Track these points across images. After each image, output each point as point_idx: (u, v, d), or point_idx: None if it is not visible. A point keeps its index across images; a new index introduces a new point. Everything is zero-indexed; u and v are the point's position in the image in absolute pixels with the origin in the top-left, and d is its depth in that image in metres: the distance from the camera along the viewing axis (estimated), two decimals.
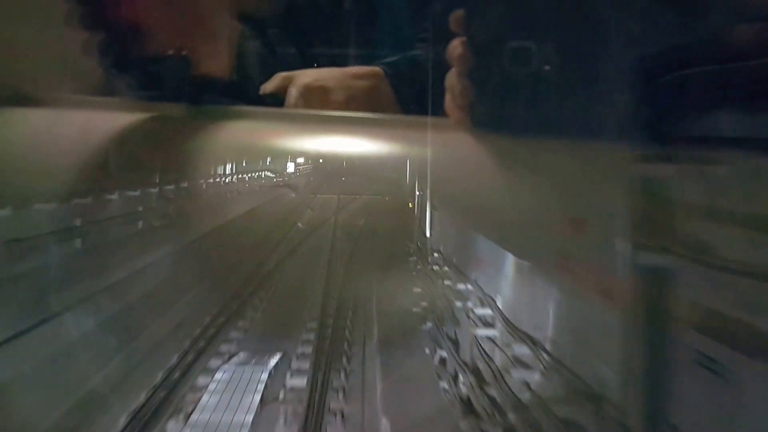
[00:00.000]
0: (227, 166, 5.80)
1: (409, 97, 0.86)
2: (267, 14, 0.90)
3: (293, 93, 0.85)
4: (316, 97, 0.84)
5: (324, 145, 0.66)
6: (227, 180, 5.93)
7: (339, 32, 0.98)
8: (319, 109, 0.83)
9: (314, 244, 5.75)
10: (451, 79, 0.60)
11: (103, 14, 0.58)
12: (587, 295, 0.77)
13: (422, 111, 0.76)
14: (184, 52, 0.61)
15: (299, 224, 6.62)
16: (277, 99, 0.85)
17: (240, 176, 6.80)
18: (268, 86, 0.85)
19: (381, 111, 0.83)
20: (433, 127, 0.65)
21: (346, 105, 0.84)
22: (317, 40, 0.97)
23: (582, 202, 0.59)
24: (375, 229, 6.27)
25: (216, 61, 0.66)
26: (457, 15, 0.57)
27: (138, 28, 0.59)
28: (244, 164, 6.64)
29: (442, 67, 0.64)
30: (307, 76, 0.86)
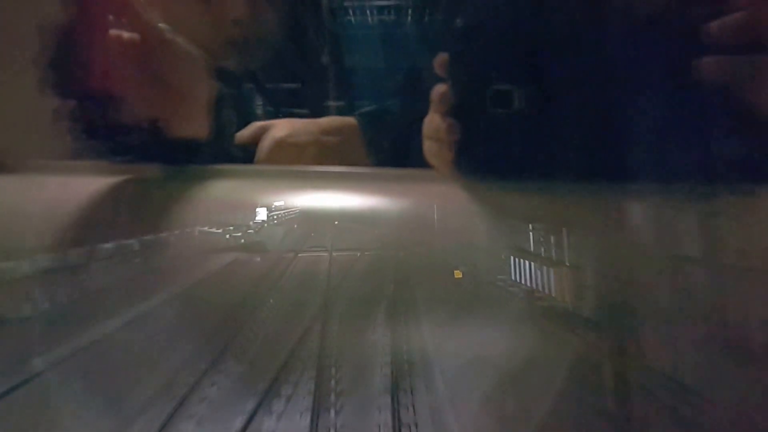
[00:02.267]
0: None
1: (383, 148, 0.86)
2: (244, 68, 0.90)
3: (264, 147, 0.84)
4: (286, 153, 0.84)
5: (308, 201, 0.64)
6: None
7: (316, 86, 0.99)
8: (288, 163, 0.83)
9: None
10: (434, 124, 0.59)
11: (74, 82, 0.57)
12: None
13: (395, 162, 0.76)
14: (158, 117, 0.60)
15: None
16: (253, 149, 0.85)
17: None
18: (244, 135, 0.85)
19: (351, 165, 0.82)
20: (415, 179, 0.64)
21: (316, 161, 0.84)
22: (293, 94, 0.97)
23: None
24: None
25: (191, 122, 0.65)
26: (441, 59, 0.56)
27: (110, 96, 0.58)
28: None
29: (418, 118, 0.64)
30: (280, 129, 0.85)
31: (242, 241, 0.66)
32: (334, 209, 0.61)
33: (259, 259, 0.68)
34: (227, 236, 0.60)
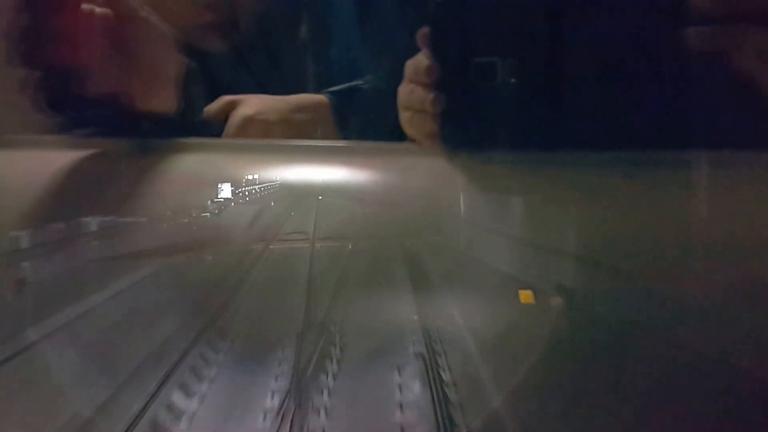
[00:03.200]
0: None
1: (354, 126, 0.86)
2: (216, 49, 0.89)
3: (233, 123, 0.84)
4: (255, 130, 0.83)
5: (289, 175, 0.62)
6: None
7: (289, 65, 0.98)
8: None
9: None
10: (415, 95, 0.59)
11: (40, 52, 0.56)
12: None
13: (364, 138, 0.76)
14: (124, 91, 0.59)
15: None
16: (222, 123, 0.84)
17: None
18: (212, 109, 0.84)
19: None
20: (396, 153, 0.63)
21: (286, 139, 0.83)
22: (266, 72, 0.96)
23: None
24: None
25: (159, 97, 0.64)
26: (424, 31, 0.56)
27: (76, 67, 0.57)
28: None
29: (390, 94, 0.63)
30: (250, 105, 0.84)
31: (194, 229, 0.56)
32: (315, 184, 0.58)
33: (210, 258, 0.55)
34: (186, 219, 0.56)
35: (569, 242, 0.52)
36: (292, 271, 0.54)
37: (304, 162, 0.61)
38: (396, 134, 0.63)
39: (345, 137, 0.85)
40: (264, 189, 0.59)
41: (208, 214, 0.57)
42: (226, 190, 0.58)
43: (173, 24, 0.63)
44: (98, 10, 0.56)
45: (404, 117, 0.61)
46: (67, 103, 0.59)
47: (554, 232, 0.53)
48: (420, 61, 0.58)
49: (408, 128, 0.61)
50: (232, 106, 0.84)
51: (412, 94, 0.59)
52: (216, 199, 0.59)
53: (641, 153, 0.51)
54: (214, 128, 0.81)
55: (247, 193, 0.58)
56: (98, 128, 0.62)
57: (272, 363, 0.47)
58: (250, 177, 0.60)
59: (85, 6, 0.56)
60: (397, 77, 0.61)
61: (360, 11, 0.96)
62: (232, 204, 0.59)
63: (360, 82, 0.90)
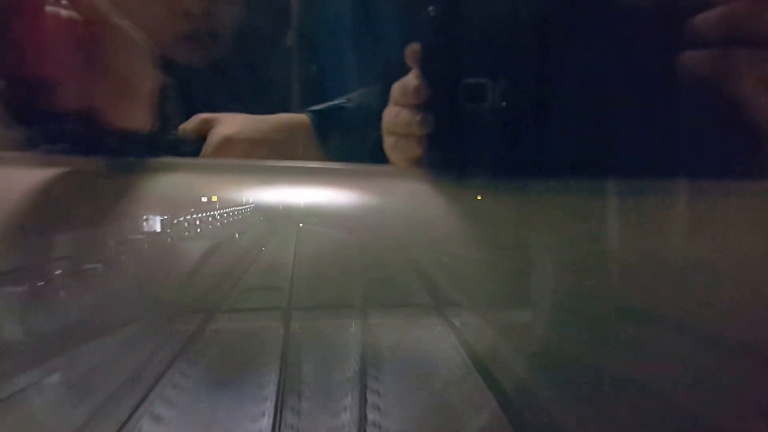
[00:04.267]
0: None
1: (336, 146, 0.83)
2: (193, 63, 0.87)
3: (211, 143, 0.81)
4: (235, 151, 0.81)
5: (267, 197, 0.58)
6: None
7: (271, 81, 0.96)
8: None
9: None
10: (401, 118, 0.56)
11: (4, 62, 0.53)
12: None
13: (348, 159, 0.73)
14: (96, 106, 0.56)
15: None
16: (198, 142, 0.81)
17: None
18: (188, 127, 0.81)
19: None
20: (379, 175, 0.61)
21: (265, 159, 0.81)
22: (247, 88, 0.94)
23: None
24: None
25: (133, 113, 0.61)
26: (413, 48, 0.54)
27: (42, 77, 0.54)
28: None
29: (373, 114, 0.61)
30: (228, 125, 0.82)
31: (165, 252, 0.50)
32: (295, 206, 0.55)
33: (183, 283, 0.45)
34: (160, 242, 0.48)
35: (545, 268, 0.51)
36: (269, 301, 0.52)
37: (284, 183, 0.58)
38: (379, 155, 0.61)
39: (327, 158, 0.83)
40: (242, 211, 0.56)
41: (180, 236, 0.54)
42: (200, 213, 0.55)
43: (148, 34, 0.60)
44: (64, 12, 0.53)
45: (388, 142, 0.59)
46: (35, 117, 0.56)
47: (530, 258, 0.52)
48: (408, 82, 0.55)
49: (392, 154, 0.59)
50: (208, 125, 0.82)
51: (398, 117, 0.57)
52: (190, 221, 0.56)
53: (629, 180, 0.50)
54: (190, 147, 0.79)
55: (223, 215, 0.56)
56: (68, 144, 0.59)
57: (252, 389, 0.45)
58: (227, 198, 0.57)
59: (49, 8, 0.53)
60: (382, 96, 0.58)
61: (345, 26, 0.94)
62: (209, 226, 0.56)
63: (343, 100, 0.88)
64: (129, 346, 0.49)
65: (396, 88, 0.57)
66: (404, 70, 0.56)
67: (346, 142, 0.82)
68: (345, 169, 0.64)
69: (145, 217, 0.55)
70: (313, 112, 0.87)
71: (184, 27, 0.88)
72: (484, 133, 0.53)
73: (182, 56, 0.86)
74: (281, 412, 0.44)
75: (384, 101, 0.59)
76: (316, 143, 0.84)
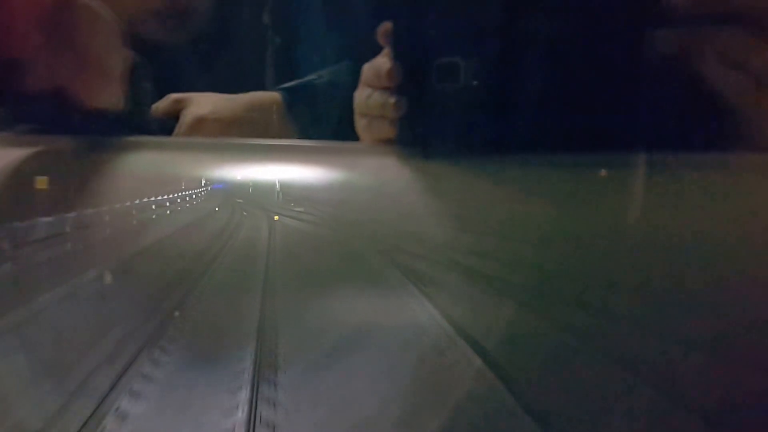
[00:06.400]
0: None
1: (309, 123, 0.84)
2: (166, 41, 0.86)
3: (184, 123, 0.81)
4: (209, 130, 0.81)
5: (236, 174, 0.58)
6: None
7: (245, 58, 0.96)
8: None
9: None
10: (373, 101, 0.57)
11: None
12: None
13: (319, 137, 0.74)
14: (66, 85, 0.56)
15: None
16: (171, 122, 0.82)
17: None
18: (160, 107, 0.81)
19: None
20: (351, 152, 0.62)
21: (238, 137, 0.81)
22: (220, 66, 0.94)
23: None
24: None
25: (104, 92, 0.61)
26: (385, 27, 0.54)
27: (12, 57, 0.54)
28: None
29: (343, 91, 0.61)
30: (201, 105, 0.82)
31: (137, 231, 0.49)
32: (268, 183, 0.55)
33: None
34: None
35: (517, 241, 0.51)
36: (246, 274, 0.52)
37: (257, 161, 0.59)
38: (351, 132, 0.61)
39: (299, 135, 0.84)
40: (213, 189, 0.56)
41: (154, 215, 0.54)
42: (173, 190, 0.55)
43: (119, 12, 0.60)
44: None
45: (361, 123, 0.59)
46: (6, 98, 0.56)
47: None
48: (381, 65, 0.56)
49: (365, 134, 0.59)
50: (181, 105, 0.82)
51: (370, 99, 0.57)
52: (162, 199, 0.56)
53: (599, 155, 0.51)
54: (163, 127, 0.79)
55: (195, 194, 0.56)
56: (40, 125, 0.59)
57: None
58: (200, 176, 0.57)
59: None
60: (352, 73, 0.59)
61: (317, 4, 0.94)
62: (180, 206, 0.57)
63: (313, 76, 0.88)
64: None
65: (367, 69, 0.57)
66: (375, 48, 0.57)
67: (317, 119, 0.83)
68: (316, 146, 0.65)
69: (116, 196, 0.55)
70: (285, 89, 0.87)
71: (155, 3, 0.88)
72: (457, 112, 0.53)
73: (154, 35, 0.85)
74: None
75: (355, 79, 0.59)
76: (289, 121, 0.85)
